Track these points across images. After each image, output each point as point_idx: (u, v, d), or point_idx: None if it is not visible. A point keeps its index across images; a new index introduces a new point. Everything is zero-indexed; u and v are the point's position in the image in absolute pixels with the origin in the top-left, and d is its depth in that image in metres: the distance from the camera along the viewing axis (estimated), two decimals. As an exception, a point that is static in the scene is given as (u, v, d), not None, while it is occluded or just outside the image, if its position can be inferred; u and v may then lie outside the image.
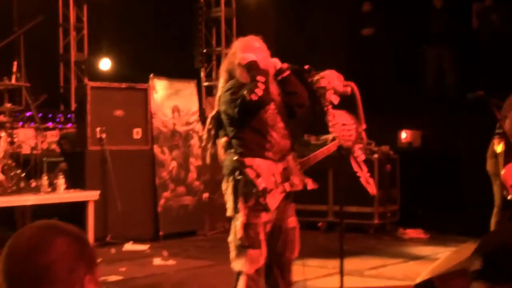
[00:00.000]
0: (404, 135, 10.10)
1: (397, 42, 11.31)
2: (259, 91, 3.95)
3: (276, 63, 4.23)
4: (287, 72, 4.21)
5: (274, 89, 4.20)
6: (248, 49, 4.18)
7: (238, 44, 4.28)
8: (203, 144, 4.44)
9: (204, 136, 4.36)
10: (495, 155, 5.66)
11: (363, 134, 4.44)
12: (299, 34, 10.37)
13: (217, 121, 4.26)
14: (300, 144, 8.44)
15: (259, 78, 3.98)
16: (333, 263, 6.45)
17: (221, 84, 4.28)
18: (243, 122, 4.11)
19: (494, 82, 8.47)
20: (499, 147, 5.57)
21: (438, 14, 10.75)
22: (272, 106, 4.16)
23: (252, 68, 4.08)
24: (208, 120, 4.37)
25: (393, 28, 11.22)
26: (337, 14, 11.25)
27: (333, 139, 4.59)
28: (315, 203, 8.85)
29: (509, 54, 10.08)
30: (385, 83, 10.88)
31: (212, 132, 4.29)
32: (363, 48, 11.45)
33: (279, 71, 4.21)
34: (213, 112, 4.35)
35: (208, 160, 4.43)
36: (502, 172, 5.34)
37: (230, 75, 4.23)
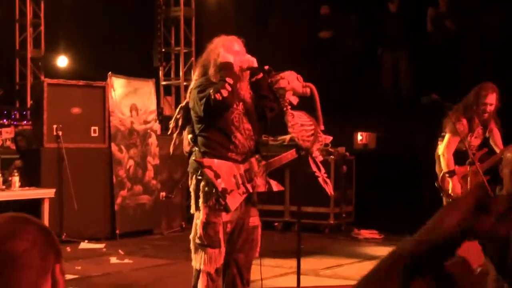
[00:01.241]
0: (360, 137, 10.24)
1: (354, 45, 11.46)
2: (225, 92, 3.97)
3: (253, 62, 4.24)
4: (261, 75, 4.24)
5: (246, 91, 4.23)
6: (228, 50, 4.19)
7: (219, 42, 4.27)
8: (169, 133, 4.44)
9: (172, 125, 4.37)
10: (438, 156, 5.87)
11: (321, 135, 4.50)
12: (259, 35, 10.42)
13: (186, 112, 4.27)
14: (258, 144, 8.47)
15: (228, 79, 4.01)
16: (289, 263, 6.53)
17: (195, 78, 4.29)
18: (208, 121, 4.13)
19: (448, 85, 8.65)
20: (440, 148, 5.79)
21: (393, 18, 10.93)
22: (240, 107, 4.18)
23: (225, 68, 4.10)
24: (177, 110, 4.38)
25: (350, 31, 11.37)
26: (296, 16, 11.35)
27: (291, 140, 4.65)
28: (271, 203, 8.91)
29: (462, 58, 10.31)
30: (342, 85, 11.01)
31: (180, 122, 4.30)
32: (321, 50, 11.57)
33: (253, 73, 4.24)
34: (183, 103, 4.36)
35: (171, 149, 4.43)
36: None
37: (205, 70, 4.24)
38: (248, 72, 4.23)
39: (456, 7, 10.52)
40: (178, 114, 4.33)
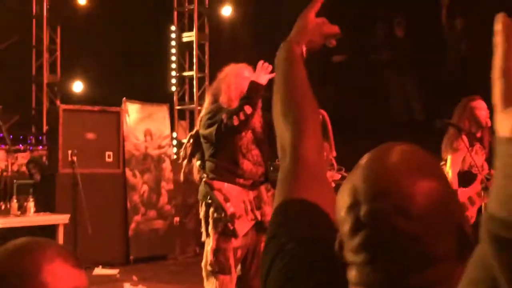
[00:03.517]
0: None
1: (364, 68, 11.48)
2: (236, 120, 3.99)
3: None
4: None
5: (256, 119, 4.26)
6: (238, 77, 4.22)
7: (230, 70, 4.31)
8: (179, 161, 4.47)
9: (182, 153, 4.41)
10: None
11: (334, 161, 4.50)
12: (272, 60, 10.44)
13: (196, 140, 4.31)
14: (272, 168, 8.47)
15: (246, 108, 4.02)
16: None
17: (205, 106, 4.33)
18: (217, 147, 4.16)
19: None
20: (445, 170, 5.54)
21: (400, 41, 10.93)
22: (249, 135, 4.21)
23: (253, 90, 4.09)
24: (187, 138, 4.42)
25: (360, 54, 11.39)
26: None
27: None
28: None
29: (474, 79, 10.27)
30: (352, 109, 11.01)
31: (189, 150, 4.34)
32: (334, 74, 11.59)
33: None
34: (193, 131, 4.40)
35: (182, 177, 4.48)
36: None
37: (215, 99, 4.27)
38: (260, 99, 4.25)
39: (470, 29, 10.51)
40: (188, 142, 4.37)
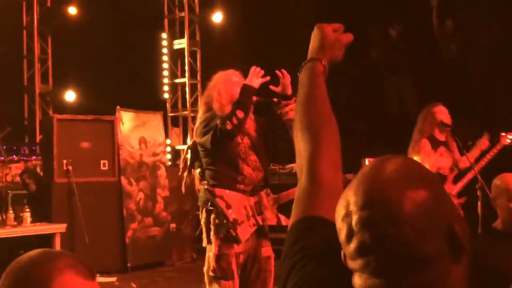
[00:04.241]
0: (367, 163, 10.25)
1: (360, 72, 11.53)
2: (229, 125, 4.03)
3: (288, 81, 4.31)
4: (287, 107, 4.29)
5: (250, 124, 4.30)
6: (227, 83, 4.27)
7: (218, 77, 4.36)
8: (179, 174, 4.51)
9: (181, 166, 4.45)
10: None
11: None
12: (263, 65, 10.49)
13: (194, 151, 4.34)
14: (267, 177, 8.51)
15: (238, 112, 4.07)
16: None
17: (199, 116, 4.37)
18: (215, 155, 4.19)
19: (456, 109, 8.69)
20: None
21: (395, 43, 10.99)
22: (245, 140, 4.25)
23: (245, 92, 4.15)
24: (185, 150, 4.46)
25: (354, 57, 11.44)
26: (299, 46, 11.43)
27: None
28: (281, 232, 8.90)
29: (468, 82, 10.36)
30: (348, 112, 11.06)
31: (188, 161, 4.38)
32: (327, 79, 11.63)
33: (277, 103, 4.28)
34: (190, 143, 4.44)
35: (183, 189, 4.51)
36: None
37: (208, 107, 4.31)
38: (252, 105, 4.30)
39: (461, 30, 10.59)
40: (186, 154, 4.41)
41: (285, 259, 1.42)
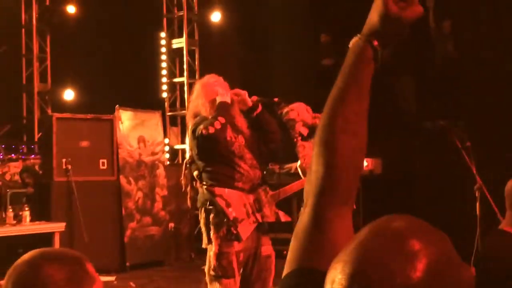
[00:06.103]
0: (365, 163, 10.28)
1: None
2: (211, 129, 4.08)
3: (245, 96, 4.35)
4: (259, 109, 4.34)
5: (242, 123, 4.33)
6: (207, 87, 4.33)
7: (197, 86, 4.44)
8: (182, 190, 4.56)
9: (183, 182, 4.48)
10: None
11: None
12: (261, 64, 10.54)
13: (191, 165, 4.39)
14: (266, 173, 8.53)
15: (219, 118, 4.13)
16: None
17: (190, 126, 4.41)
18: (209, 157, 4.23)
19: (451, 109, 8.72)
20: None
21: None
22: (240, 139, 4.28)
23: (221, 108, 4.21)
24: (184, 166, 4.49)
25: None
26: (297, 45, 11.45)
27: (297, 168, 4.71)
28: (280, 232, 8.91)
29: (465, 82, 10.38)
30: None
31: (189, 176, 4.42)
32: (324, 77, 11.65)
33: (251, 109, 4.33)
34: (187, 158, 4.50)
35: (189, 203, 4.56)
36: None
37: (197, 116, 4.37)
38: (238, 105, 4.33)
39: (459, 29, 10.62)
40: (185, 169, 4.45)
41: None
